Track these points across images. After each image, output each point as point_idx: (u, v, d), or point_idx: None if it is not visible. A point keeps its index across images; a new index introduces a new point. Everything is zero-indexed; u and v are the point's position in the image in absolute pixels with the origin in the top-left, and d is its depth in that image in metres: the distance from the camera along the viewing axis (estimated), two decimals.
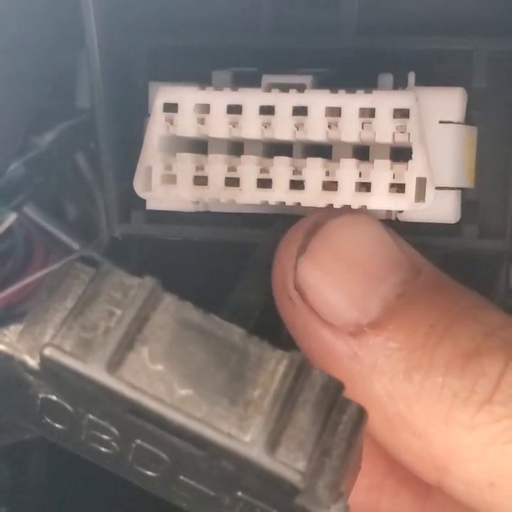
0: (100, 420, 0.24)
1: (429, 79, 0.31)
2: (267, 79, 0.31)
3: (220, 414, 0.23)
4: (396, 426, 0.27)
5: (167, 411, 0.22)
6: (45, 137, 0.30)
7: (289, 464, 0.22)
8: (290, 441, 0.23)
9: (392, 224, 0.31)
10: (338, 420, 0.24)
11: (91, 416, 0.24)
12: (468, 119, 0.31)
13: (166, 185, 0.30)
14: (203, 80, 0.31)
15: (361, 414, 0.24)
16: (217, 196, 0.30)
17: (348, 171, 0.30)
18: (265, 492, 0.23)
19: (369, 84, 0.31)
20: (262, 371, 0.23)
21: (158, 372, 0.23)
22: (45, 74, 0.30)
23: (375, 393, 0.27)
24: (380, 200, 0.30)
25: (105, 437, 0.24)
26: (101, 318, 0.23)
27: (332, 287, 0.28)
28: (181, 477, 0.24)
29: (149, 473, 0.24)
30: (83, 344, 0.23)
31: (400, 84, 0.31)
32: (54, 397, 0.24)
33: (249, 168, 0.30)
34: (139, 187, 0.31)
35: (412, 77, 0.31)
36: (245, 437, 0.22)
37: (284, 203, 0.30)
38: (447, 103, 0.31)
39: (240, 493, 0.23)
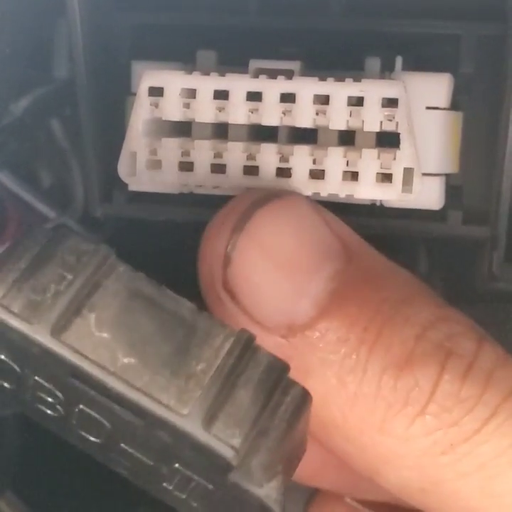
0: (45, 382, 0.24)
1: (416, 62, 0.31)
2: (254, 64, 0.30)
3: (161, 385, 0.23)
4: (330, 431, 0.27)
5: (107, 378, 0.23)
6: (19, 104, 0.30)
7: (224, 440, 0.22)
8: (228, 417, 0.23)
9: (377, 209, 0.31)
10: (280, 401, 0.24)
11: (37, 377, 0.24)
12: (454, 104, 0.31)
13: (151, 171, 0.30)
14: (186, 58, 0.31)
15: (305, 397, 0.24)
16: (202, 182, 0.30)
17: (335, 159, 0.29)
18: (200, 466, 0.23)
19: (356, 66, 0.30)
20: (208, 346, 0.24)
21: (103, 339, 0.23)
22: (24, 43, 0.30)
23: None
24: (367, 190, 0.29)
25: (50, 400, 0.24)
26: (52, 281, 0.24)
27: (262, 288, 0.27)
28: (122, 445, 0.24)
29: (92, 438, 0.25)
30: (31, 306, 0.23)
31: (386, 67, 0.31)
32: (2, 356, 0.24)
33: (235, 155, 0.30)
34: (123, 172, 0.30)
35: (399, 61, 0.31)
36: (183, 410, 0.23)
37: None
38: (434, 89, 0.30)
39: (176, 465, 0.24)
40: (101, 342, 0.23)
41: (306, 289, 0.27)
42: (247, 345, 0.24)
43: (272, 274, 0.27)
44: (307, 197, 0.29)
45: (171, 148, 0.30)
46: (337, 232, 0.28)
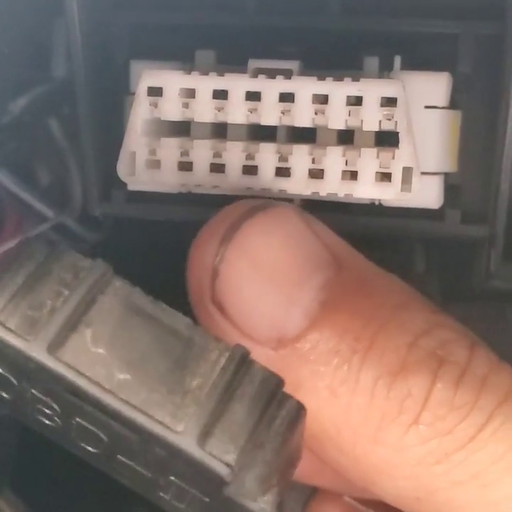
0: (43, 396, 0.24)
1: (414, 61, 0.30)
2: (253, 63, 0.30)
3: (157, 402, 0.23)
4: (323, 443, 0.27)
5: (103, 395, 0.23)
6: (18, 103, 0.30)
7: (218, 457, 0.23)
8: (223, 433, 0.23)
9: (375, 208, 0.31)
10: (275, 415, 0.24)
11: (34, 391, 0.24)
12: (453, 103, 0.31)
13: (150, 171, 0.30)
14: (185, 58, 0.31)
15: (299, 410, 0.24)
16: (202, 182, 0.30)
17: (334, 159, 0.29)
18: (195, 480, 0.24)
19: (354, 65, 0.30)
20: (204, 361, 0.24)
21: (99, 356, 0.23)
22: (22, 43, 0.30)
23: None
24: (366, 189, 0.29)
25: (48, 412, 0.25)
26: (48, 297, 0.24)
27: (251, 301, 0.26)
28: (119, 457, 0.25)
29: (91, 449, 0.25)
30: (28, 322, 0.23)
31: (385, 66, 0.30)
32: (0, 370, 0.24)
33: (234, 154, 0.30)
34: (122, 171, 0.30)
35: (397, 60, 0.30)
36: (178, 427, 0.23)
37: (270, 189, 0.30)
38: (433, 88, 0.30)
39: (172, 478, 0.24)
40: (97, 358, 0.23)
41: (296, 300, 0.26)
42: (242, 360, 0.24)
43: (261, 286, 0.26)
44: (295, 207, 0.28)
45: (170, 147, 0.30)
46: (326, 242, 0.27)
